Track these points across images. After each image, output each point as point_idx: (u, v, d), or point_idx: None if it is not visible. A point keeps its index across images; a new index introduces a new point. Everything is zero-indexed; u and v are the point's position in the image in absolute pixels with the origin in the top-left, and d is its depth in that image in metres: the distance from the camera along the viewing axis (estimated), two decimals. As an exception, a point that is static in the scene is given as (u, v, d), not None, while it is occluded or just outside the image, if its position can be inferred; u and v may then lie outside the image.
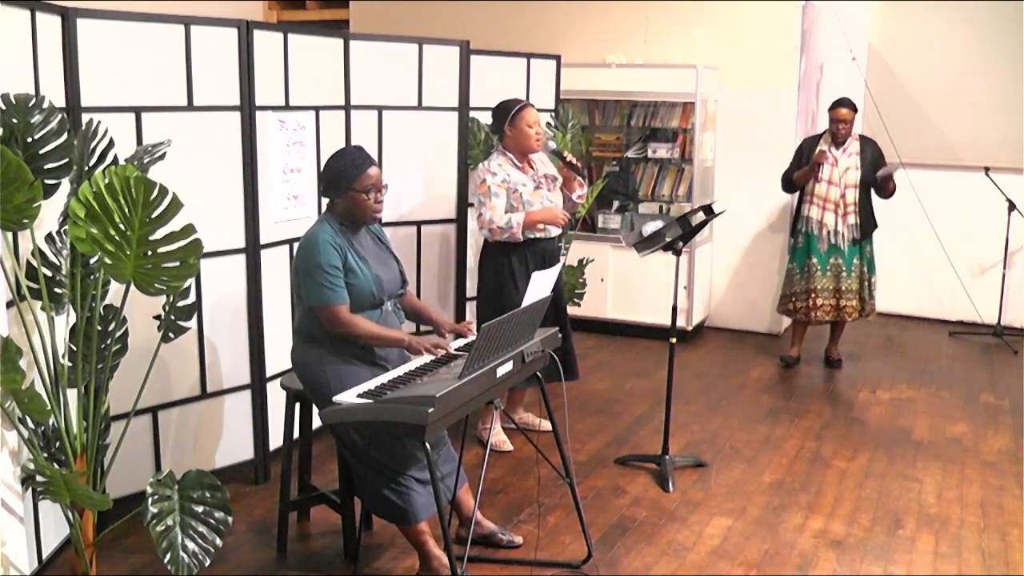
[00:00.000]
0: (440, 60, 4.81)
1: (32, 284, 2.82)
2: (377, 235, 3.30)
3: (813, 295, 5.67)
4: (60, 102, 3.15)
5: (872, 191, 5.63)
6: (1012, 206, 6.40)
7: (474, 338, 3.26)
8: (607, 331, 6.58)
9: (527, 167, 4.28)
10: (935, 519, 3.80)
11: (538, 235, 4.26)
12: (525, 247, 4.26)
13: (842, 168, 5.53)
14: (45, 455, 2.85)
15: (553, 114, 5.73)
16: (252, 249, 3.88)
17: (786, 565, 3.41)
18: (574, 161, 4.33)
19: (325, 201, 3.21)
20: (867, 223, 5.61)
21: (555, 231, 4.35)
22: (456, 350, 3.18)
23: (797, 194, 5.77)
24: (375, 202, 3.11)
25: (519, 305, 4.08)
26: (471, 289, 4.99)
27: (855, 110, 5.55)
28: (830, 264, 5.63)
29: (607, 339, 6.50)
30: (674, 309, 4.14)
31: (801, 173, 5.60)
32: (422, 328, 4.47)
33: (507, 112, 4.21)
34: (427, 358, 3.08)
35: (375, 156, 4.63)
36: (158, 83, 3.50)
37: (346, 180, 3.06)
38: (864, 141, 5.64)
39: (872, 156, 5.59)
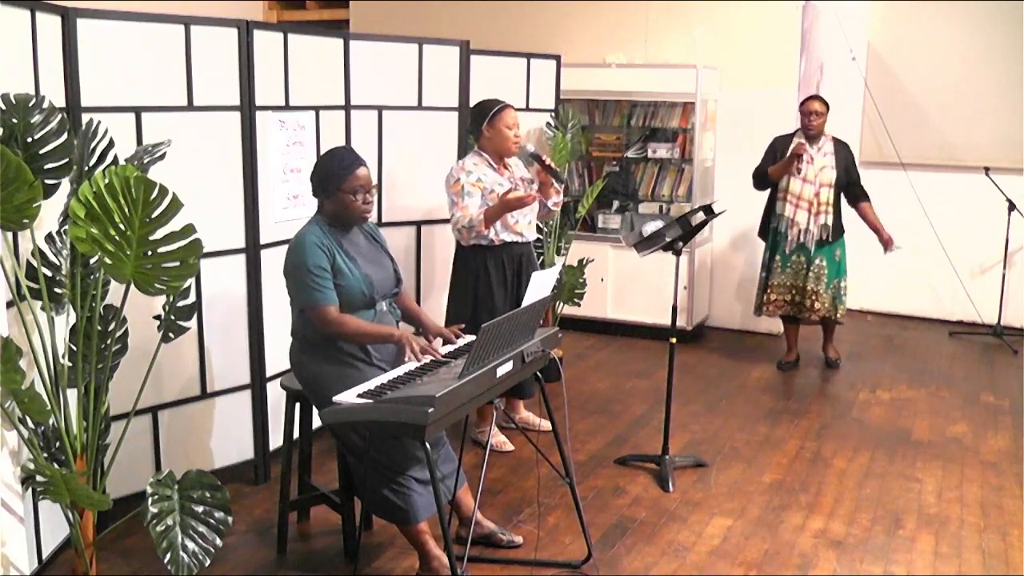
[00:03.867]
0: (440, 60, 4.81)
1: (32, 284, 2.82)
2: (371, 234, 3.29)
3: (769, 291, 5.66)
4: (60, 102, 3.15)
5: (842, 195, 5.62)
6: (1012, 206, 6.40)
7: (465, 343, 3.26)
8: (607, 331, 6.58)
9: (502, 169, 4.22)
10: (935, 519, 3.81)
11: (514, 238, 4.20)
12: (501, 250, 4.19)
13: (818, 166, 5.49)
14: (45, 455, 2.85)
15: (553, 114, 5.74)
16: (252, 249, 3.88)
17: (786, 565, 3.41)
18: (553, 165, 4.25)
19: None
20: (836, 225, 5.58)
21: (530, 235, 4.28)
22: (456, 350, 3.18)
23: (767, 193, 5.71)
24: (363, 203, 3.10)
25: (495, 309, 4.10)
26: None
27: (827, 105, 5.54)
28: (792, 261, 5.60)
29: (607, 339, 6.50)
30: (674, 309, 4.14)
31: (778, 167, 5.52)
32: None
33: (486, 112, 4.15)
34: (424, 358, 3.06)
35: (375, 156, 4.64)
36: (158, 83, 3.50)
37: (334, 181, 3.06)
38: (837, 143, 5.61)
39: (845, 159, 5.57)
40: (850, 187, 5.63)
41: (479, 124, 4.17)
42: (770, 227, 5.69)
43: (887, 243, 5.63)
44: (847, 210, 5.67)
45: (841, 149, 5.59)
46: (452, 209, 4.13)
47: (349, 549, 3.39)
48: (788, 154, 5.48)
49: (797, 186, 5.51)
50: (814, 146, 5.54)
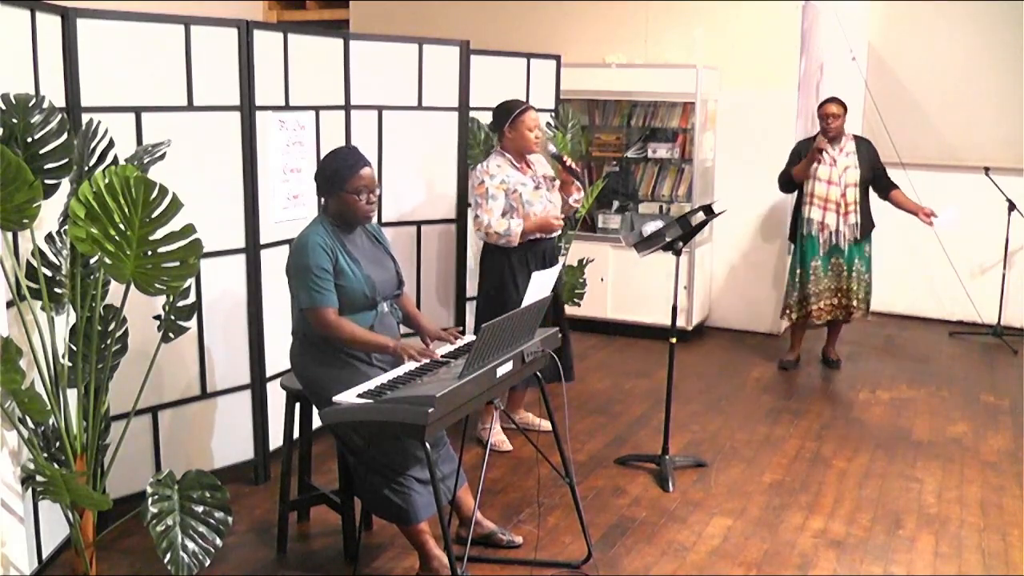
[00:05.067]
0: (440, 60, 4.81)
1: (32, 284, 2.82)
2: (374, 234, 3.29)
3: (817, 297, 5.65)
4: (60, 102, 3.15)
5: (871, 190, 5.64)
6: (1012, 206, 6.40)
7: (464, 343, 3.26)
8: (607, 331, 6.58)
9: (525, 167, 4.29)
10: (935, 519, 3.81)
11: (539, 235, 4.27)
12: (525, 247, 4.26)
13: (841, 167, 5.50)
14: (45, 455, 2.85)
15: (553, 114, 5.73)
16: (252, 249, 3.88)
17: (786, 565, 3.41)
18: (573, 166, 4.33)
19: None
20: (866, 222, 5.61)
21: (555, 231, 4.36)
22: (456, 350, 3.18)
23: (795, 196, 5.74)
24: (367, 203, 3.10)
25: (520, 303, 4.13)
26: (471, 289, 4.99)
27: (844, 107, 5.55)
28: (832, 264, 5.62)
29: (607, 339, 6.50)
30: (674, 309, 4.14)
31: (800, 167, 5.54)
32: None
33: (508, 113, 4.22)
34: (423, 361, 3.06)
35: (375, 156, 4.64)
36: (158, 83, 3.50)
37: (338, 181, 3.06)
38: (859, 140, 5.64)
39: (868, 155, 5.58)
40: (877, 180, 5.63)
41: (501, 125, 4.24)
42: (799, 232, 5.65)
43: (928, 216, 5.59)
44: (876, 204, 5.68)
45: (863, 145, 5.61)
46: (476, 211, 4.22)
47: (349, 549, 3.39)
48: (809, 152, 5.49)
49: (823, 189, 5.51)
50: (836, 147, 5.54)
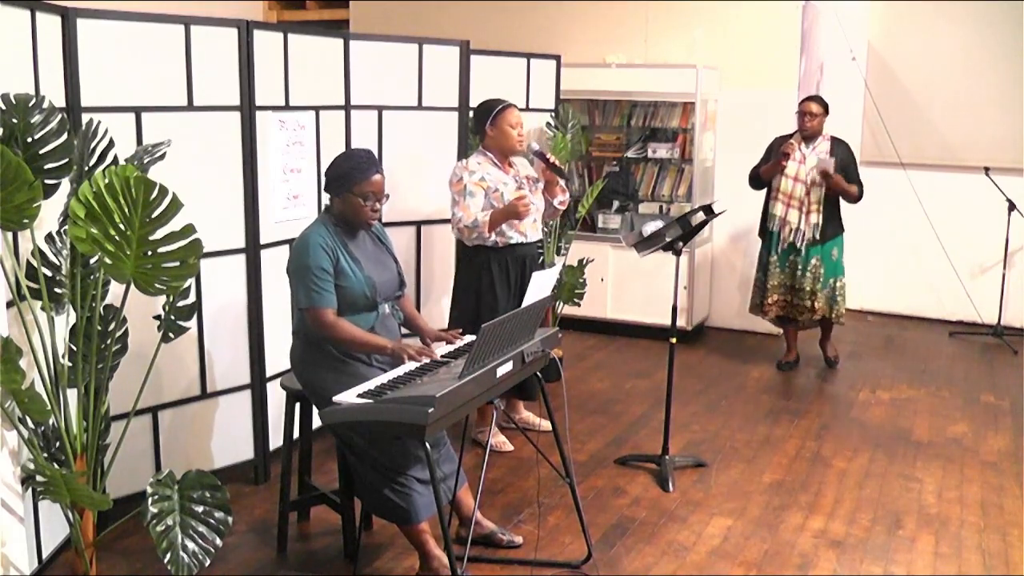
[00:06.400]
0: (440, 60, 4.81)
1: (32, 284, 2.82)
2: (378, 235, 3.29)
3: (768, 291, 5.67)
4: (60, 102, 3.15)
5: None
6: (1012, 206, 6.40)
7: (464, 343, 3.26)
8: (607, 331, 6.58)
9: (507, 167, 4.21)
10: (935, 519, 3.81)
11: (518, 239, 4.17)
12: (504, 252, 4.17)
13: (808, 165, 5.48)
14: (45, 455, 2.85)
15: (553, 114, 5.74)
16: (252, 249, 3.88)
17: (786, 565, 3.41)
18: (556, 163, 4.25)
19: (326, 198, 3.21)
20: (831, 226, 5.54)
21: (534, 235, 4.26)
22: (456, 350, 3.18)
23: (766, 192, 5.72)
24: (372, 210, 3.09)
25: (497, 310, 4.10)
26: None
27: (825, 107, 5.53)
28: (788, 261, 5.62)
29: (607, 339, 6.50)
30: (674, 309, 4.14)
31: (767, 167, 5.57)
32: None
33: (488, 112, 4.14)
34: (423, 360, 3.06)
35: (375, 156, 4.63)
36: (158, 83, 3.50)
37: (347, 182, 3.05)
38: (836, 142, 5.58)
39: (842, 157, 5.51)
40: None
41: (483, 123, 4.16)
42: (766, 227, 5.70)
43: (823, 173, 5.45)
44: (847, 209, 5.66)
45: (838, 147, 5.56)
46: (453, 208, 4.13)
47: (349, 549, 3.39)
48: (777, 154, 5.50)
49: (788, 185, 5.52)
50: (809, 145, 5.53)
